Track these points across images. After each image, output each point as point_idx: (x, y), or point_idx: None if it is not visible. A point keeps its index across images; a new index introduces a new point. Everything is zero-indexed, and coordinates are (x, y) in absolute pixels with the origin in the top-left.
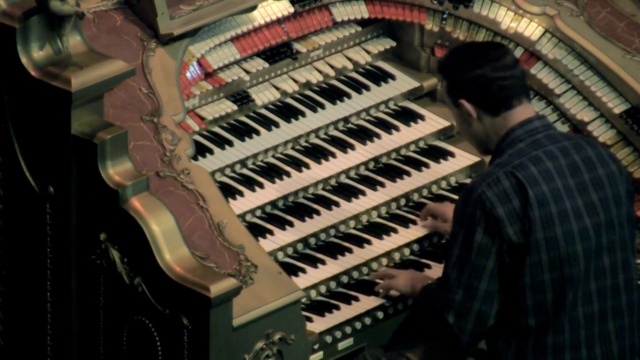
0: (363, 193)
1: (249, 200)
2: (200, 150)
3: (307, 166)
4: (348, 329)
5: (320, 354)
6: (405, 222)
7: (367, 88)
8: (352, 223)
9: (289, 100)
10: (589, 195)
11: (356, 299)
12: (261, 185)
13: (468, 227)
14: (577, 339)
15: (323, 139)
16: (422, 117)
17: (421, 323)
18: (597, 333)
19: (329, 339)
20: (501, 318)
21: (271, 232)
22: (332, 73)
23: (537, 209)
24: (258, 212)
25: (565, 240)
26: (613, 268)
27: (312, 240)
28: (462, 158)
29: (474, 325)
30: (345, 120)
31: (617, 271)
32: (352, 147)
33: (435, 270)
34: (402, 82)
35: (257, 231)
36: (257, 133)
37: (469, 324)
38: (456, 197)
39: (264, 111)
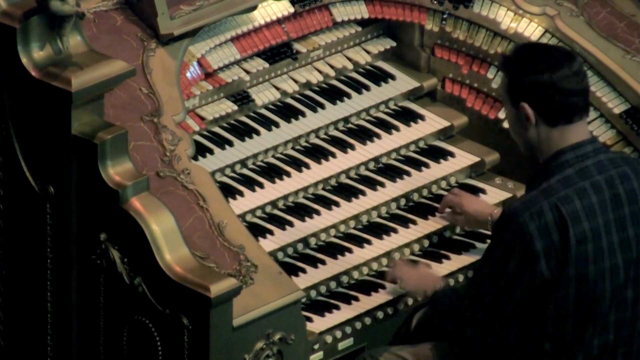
0: (363, 193)
1: (249, 200)
2: (200, 150)
3: (307, 166)
4: (348, 329)
5: (320, 354)
6: (405, 222)
7: (367, 88)
8: (352, 223)
9: (289, 100)
10: (626, 230)
11: (356, 299)
12: (261, 185)
13: (504, 253)
14: None
15: (323, 139)
16: (422, 117)
17: (423, 325)
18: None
19: (329, 339)
20: (516, 340)
21: (271, 232)
22: (332, 73)
23: (574, 248)
24: (258, 212)
25: (596, 278)
26: (635, 300)
27: (312, 240)
28: (462, 158)
29: (492, 343)
30: (345, 120)
31: (638, 303)
32: (352, 147)
33: (435, 270)
34: (402, 82)
35: (257, 231)
36: (257, 133)
37: (487, 341)
38: None
39: (264, 111)
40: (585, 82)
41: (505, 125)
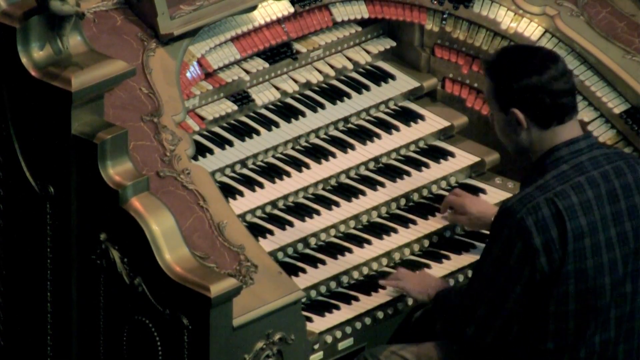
0: (363, 193)
1: (249, 200)
2: (200, 150)
3: (307, 166)
4: (348, 329)
5: (320, 354)
6: (405, 222)
7: (367, 88)
8: (352, 223)
9: (289, 100)
10: (622, 224)
11: (356, 299)
12: (261, 185)
13: (503, 250)
14: None
15: (323, 139)
16: (422, 117)
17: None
18: (608, 357)
19: (329, 339)
20: (518, 340)
21: (271, 232)
22: (332, 73)
23: (572, 243)
24: (258, 212)
25: (595, 272)
26: (634, 295)
27: (312, 240)
28: (462, 158)
29: (493, 339)
30: (345, 120)
31: (637, 297)
32: (352, 147)
33: (435, 270)
34: (402, 82)
35: (257, 231)
36: (257, 133)
37: (488, 338)
38: None
39: (264, 111)
40: (572, 81)
41: None
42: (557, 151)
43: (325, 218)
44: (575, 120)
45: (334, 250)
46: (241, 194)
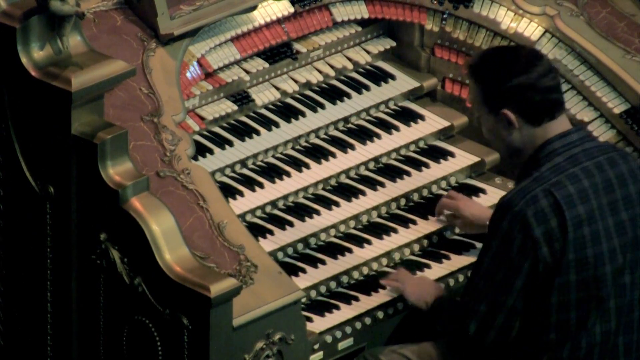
0: (363, 193)
1: (249, 200)
2: (200, 150)
3: (307, 166)
4: (348, 329)
5: (320, 354)
6: (405, 222)
7: (367, 88)
8: (352, 223)
9: (289, 100)
10: (619, 214)
11: (356, 299)
12: (261, 185)
13: (503, 243)
14: (592, 354)
15: (323, 139)
16: (422, 117)
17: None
18: (609, 348)
19: (329, 339)
20: (520, 332)
21: (271, 232)
22: (332, 73)
23: (572, 232)
24: (258, 212)
25: (595, 261)
26: (632, 286)
27: (312, 240)
28: (462, 158)
29: (495, 336)
30: (345, 120)
31: (635, 288)
32: (352, 147)
33: (435, 270)
34: (402, 82)
35: (257, 231)
36: (257, 133)
37: (490, 335)
38: None
39: (264, 111)
40: (558, 77)
41: None
42: (550, 144)
43: (325, 218)
44: (564, 116)
45: (334, 250)
46: (241, 194)
